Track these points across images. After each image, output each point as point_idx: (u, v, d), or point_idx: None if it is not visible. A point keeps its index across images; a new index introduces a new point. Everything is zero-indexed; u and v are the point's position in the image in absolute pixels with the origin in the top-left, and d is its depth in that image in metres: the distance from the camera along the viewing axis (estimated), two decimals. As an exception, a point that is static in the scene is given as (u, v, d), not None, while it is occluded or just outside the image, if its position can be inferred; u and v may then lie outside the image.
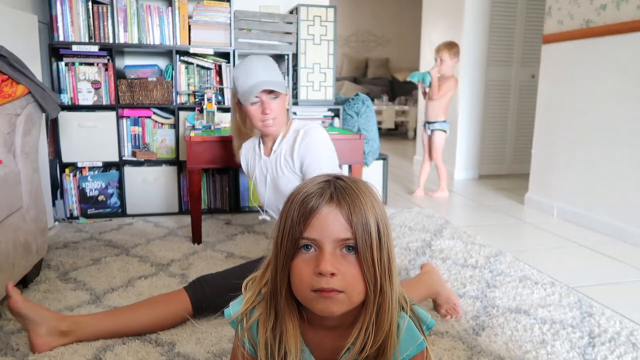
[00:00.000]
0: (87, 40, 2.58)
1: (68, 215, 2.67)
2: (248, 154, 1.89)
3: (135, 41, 2.65)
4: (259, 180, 1.83)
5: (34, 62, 2.19)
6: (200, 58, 2.77)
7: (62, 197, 2.65)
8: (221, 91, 2.83)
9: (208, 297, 1.46)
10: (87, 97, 2.63)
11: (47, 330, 1.32)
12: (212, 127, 2.49)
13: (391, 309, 0.71)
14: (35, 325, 1.31)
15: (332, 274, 0.67)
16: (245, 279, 0.81)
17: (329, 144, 1.69)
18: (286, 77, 2.87)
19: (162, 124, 2.78)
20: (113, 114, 2.67)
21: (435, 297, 1.63)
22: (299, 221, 0.68)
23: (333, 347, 0.76)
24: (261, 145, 1.80)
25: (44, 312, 1.33)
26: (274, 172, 1.74)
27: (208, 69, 2.80)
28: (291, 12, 2.94)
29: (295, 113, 2.93)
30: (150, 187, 2.76)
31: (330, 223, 0.67)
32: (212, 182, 2.86)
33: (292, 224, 0.68)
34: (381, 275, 0.69)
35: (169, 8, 2.67)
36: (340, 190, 0.69)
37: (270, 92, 1.62)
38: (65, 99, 2.60)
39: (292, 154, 1.65)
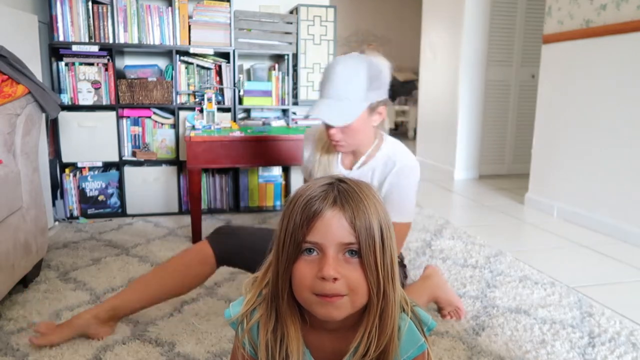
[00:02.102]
0: (87, 40, 2.58)
1: (68, 215, 2.67)
2: (315, 149, 1.58)
3: (135, 41, 2.65)
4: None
5: (34, 62, 2.19)
6: (200, 58, 2.77)
7: (62, 197, 2.65)
8: (221, 91, 2.83)
9: (233, 246, 1.44)
10: (87, 97, 2.63)
11: (96, 328, 1.38)
12: (212, 127, 2.49)
13: (394, 313, 0.71)
14: (87, 332, 1.38)
15: (335, 279, 0.66)
16: (246, 280, 0.81)
17: (416, 188, 1.48)
18: (286, 77, 2.87)
19: (162, 124, 2.78)
20: (113, 114, 2.66)
21: (435, 301, 1.63)
22: (301, 224, 0.67)
23: (333, 350, 0.76)
24: (339, 154, 1.52)
25: (81, 322, 1.37)
26: None
27: (208, 69, 2.80)
28: (291, 12, 2.94)
29: (295, 113, 2.93)
30: (150, 187, 2.76)
31: (334, 227, 0.67)
32: (212, 182, 2.86)
33: (295, 227, 0.68)
34: (384, 279, 0.69)
35: (169, 8, 2.67)
36: (343, 193, 0.68)
37: None
38: (65, 99, 2.60)
39: (383, 182, 1.44)
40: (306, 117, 1.39)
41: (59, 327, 1.37)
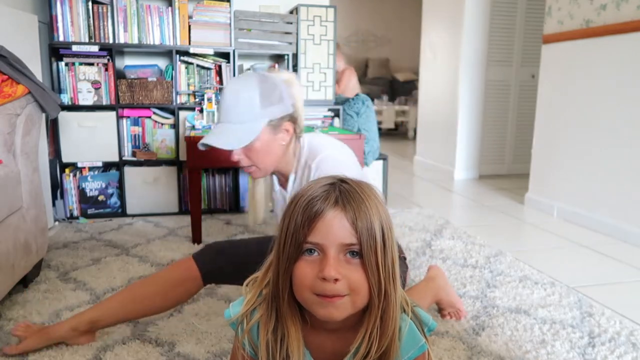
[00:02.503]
0: (87, 40, 2.58)
1: (68, 215, 2.67)
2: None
3: (135, 41, 2.65)
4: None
5: (34, 62, 2.19)
6: (200, 58, 2.77)
7: (62, 197, 2.65)
8: (221, 91, 2.82)
9: (220, 266, 1.37)
10: (87, 97, 2.63)
11: (76, 339, 1.36)
12: (212, 127, 2.49)
13: (395, 314, 0.71)
14: (65, 342, 1.36)
15: (336, 280, 0.66)
16: (246, 280, 0.81)
17: (341, 167, 1.34)
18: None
19: (162, 124, 2.78)
20: (113, 114, 2.66)
21: (437, 302, 1.63)
22: (303, 225, 0.67)
23: (334, 350, 0.76)
24: (274, 178, 1.54)
25: (59, 334, 1.35)
26: None
27: (208, 69, 2.80)
28: (291, 12, 2.94)
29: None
30: (150, 187, 2.76)
31: (335, 227, 0.66)
32: (212, 182, 2.86)
33: (296, 228, 0.67)
34: (385, 279, 0.68)
35: (169, 8, 2.67)
36: (345, 194, 0.68)
37: None
38: (65, 99, 2.60)
39: None
40: (204, 146, 1.33)
41: (37, 333, 1.34)
